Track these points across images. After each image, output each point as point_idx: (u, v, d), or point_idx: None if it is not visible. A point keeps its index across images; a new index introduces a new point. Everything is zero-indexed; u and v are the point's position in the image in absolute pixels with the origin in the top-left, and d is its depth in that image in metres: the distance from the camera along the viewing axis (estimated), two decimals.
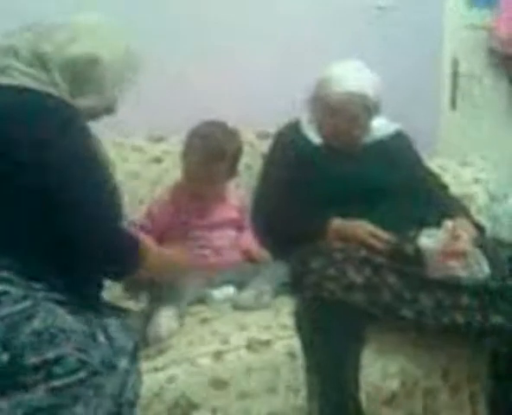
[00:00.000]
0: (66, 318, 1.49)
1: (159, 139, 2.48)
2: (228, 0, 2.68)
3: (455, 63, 3.44)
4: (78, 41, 1.65)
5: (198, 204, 2.26)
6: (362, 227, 2.16)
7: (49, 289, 1.51)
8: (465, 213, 2.41)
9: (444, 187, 2.56)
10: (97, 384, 1.47)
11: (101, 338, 1.54)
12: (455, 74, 3.45)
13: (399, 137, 2.53)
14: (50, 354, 1.42)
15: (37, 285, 1.50)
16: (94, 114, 1.70)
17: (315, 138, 2.43)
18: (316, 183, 2.30)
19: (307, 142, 2.43)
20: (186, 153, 2.23)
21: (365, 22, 3.04)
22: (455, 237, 2.06)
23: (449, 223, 2.10)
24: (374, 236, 2.13)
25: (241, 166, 2.50)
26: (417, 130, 2.71)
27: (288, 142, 2.45)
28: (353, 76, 2.32)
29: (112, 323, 1.60)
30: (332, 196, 2.23)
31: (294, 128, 2.48)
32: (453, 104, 3.49)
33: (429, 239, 2.07)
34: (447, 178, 2.66)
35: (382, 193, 2.27)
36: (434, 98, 3.39)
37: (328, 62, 2.40)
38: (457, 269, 2.04)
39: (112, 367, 1.51)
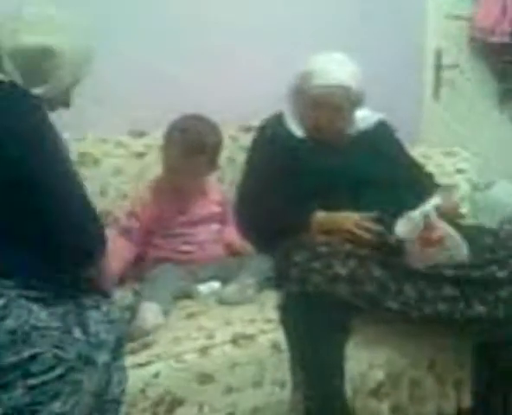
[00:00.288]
0: (40, 315, 1.47)
1: (141, 134, 2.46)
2: None
3: (438, 54, 3.44)
4: (31, 30, 1.63)
5: (180, 199, 2.26)
6: (349, 218, 2.16)
7: (22, 286, 1.48)
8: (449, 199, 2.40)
9: (429, 175, 2.57)
10: (74, 380, 1.46)
11: (77, 333, 1.52)
12: (438, 65, 3.46)
13: (382, 126, 2.53)
14: (26, 353, 1.41)
15: (9, 283, 1.47)
16: (49, 106, 1.67)
17: (298, 131, 2.42)
18: (299, 176, 2.30)
19: (290, 135, 2.42)
20: (166, 146, 2.23)
21: (349, 16, 3.04)
22: (430, 224, 2.06)
23: (425, 208, 2.09)
24: (361, 226, 2.13)
25: (224, 160, 2.51)
26: (400, 121, 2.72)
27: (271, 135, 2.45)
28: (335, 68, 2.31)
29: (93, 316, 1.58)
30: (316, 189, 2.24)
31: (277, 121, 2.47)
32: (436, 94, 3.50)
33: (405, 227, 2.07)
34: (430, 168, 2.67)
35: (367, 184, 2.26)
36: (417, 89, 3.39)
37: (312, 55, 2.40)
38: (435, 255, 2.05)
39: (90, 362, 1.49)
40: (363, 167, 2.31)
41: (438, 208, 2.06)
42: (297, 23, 2.84)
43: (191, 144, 2.18)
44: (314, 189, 2.24)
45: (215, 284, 2.20)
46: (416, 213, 2.05)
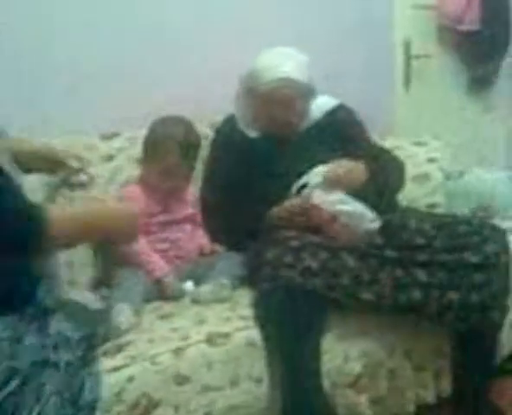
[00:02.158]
0: None
1: (111, 136, 2.44)
2: None
3: (407, 45, 3.45)
4: None
5: (161, 199, 2.28)
6: (292, 203, 2.19)
7: None
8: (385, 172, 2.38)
9: (391, 155, 2.54)
10: (34, 387, 1.43)
11: (30, 340, 1.50)
12: (407, 55, 3.47)
13: (339, 111, 2.49)
14: None
15: None
16: None
17: (250, 132, 2.41)
18: (255, 177, 2.30)
19: (243, 136, 2.41)
20: (152, 149, 2.25)
21: (315, 11, 3.03)
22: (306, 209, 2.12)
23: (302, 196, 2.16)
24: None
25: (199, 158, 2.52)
26: (372, 113, 2.72)
27: (225, 139, 2.44)
28: (281, 62, 2.29)
29: (55, 317, 1.56)
30: (272, 186, 2.24)
31: (230, 124, 2.46)
32: (406, 85, 3.51)
33: None
34: (401, 158, 2.67)
35: None
36: (387, 80, 3.40)
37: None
38: (341, 234, 2.10)
39: (48, 364, 1.47)
40: (319, 158, 2.28)
41: (324, 182, 2.14)
42: (266, 20, 2.83)
43: (180, 145, 2.23)
44: (270, 187, 2.24)
45: (190, 284, 2.19)
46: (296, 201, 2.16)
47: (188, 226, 2.33)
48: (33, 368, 1.43)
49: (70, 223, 1.59)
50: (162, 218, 2.27)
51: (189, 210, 2.34)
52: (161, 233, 2.26)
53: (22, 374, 1.41)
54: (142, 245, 2.15)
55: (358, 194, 2.18)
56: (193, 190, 2.41)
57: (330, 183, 2.16)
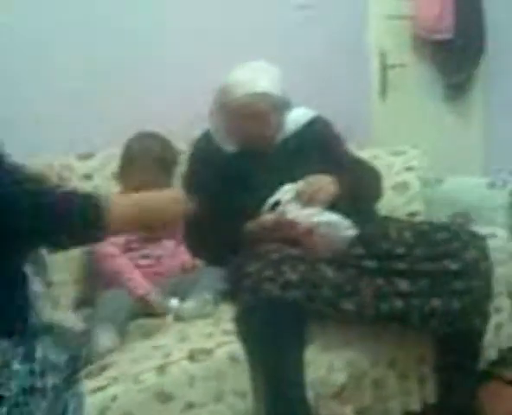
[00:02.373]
0: None
1: (88, 156, 2.44)
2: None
3: (382, 55, 3.48)
4: None
5: None
6: (267, 219, 2.20)
7: None
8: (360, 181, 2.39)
9: (369, 166, 2.54)
10: (23, 413, 1.42)
11: (16, 365, 1.49)
12: (383, 65, 3.49)
13: (315, 123, 2.49)
14: None
15: None
16: None
17: (227, 146, 2.41)
18: (234, 191, 2.30)
19: (220, 151, 2.41)
20: (129, 165, 2.25)
21: (291, 22, 3.05)
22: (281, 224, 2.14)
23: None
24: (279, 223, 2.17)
25: (176, 174, 2.51)
26: (348, 123, 2.74)
27: (202, 154, 2.44)
28: (254, 77, 2.30)
29: (42, 341, 1.55)
30: (252, 201, 2.24)
31: (206, 138, 2.46)
32: (383, 95, 3.53)
33: None
34: (380, 168, 2.68)
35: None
36: (364, 90, 3.42)
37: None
38: (318, 246, 2.11)
39: (36, 390, 1.46)
40: (292, 171, 2.29)
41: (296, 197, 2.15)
42: (238, 31, 2.84)
43: (158, 161, 2.25)
44: (248, 201, 2.25)
45: (175, 301, 2.18)
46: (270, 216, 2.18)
47: (169, 243, 2.32)
48: (20, 396, 1.42)
49: (127, 209, 1.65)
50: (142, 234, 2.22)
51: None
52: (142, 249, 2.25)
53: (10, 402, 1.40)
54: (123, 263, 2.15)
55: (333, 206, 2.19)
56: None
57: (301, 200, 2.16)
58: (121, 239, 2.18)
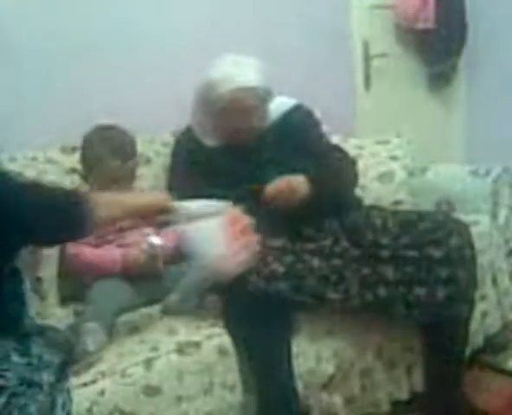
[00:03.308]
0: None
1: (73, 149, 2.42)
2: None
3: (365, 44, 3.48)
4: None
5: None
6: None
7: None
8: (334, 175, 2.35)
9: (344, 154, 2.51)
10: (19, 405, 1.41)
11: (16, 357, 1.49)
12: (366, 56, 3.50)
13: (295, 111, 2.47)
14: None
15: None
16: None
17: (210, 142, 2.40)
18: (217, 184, 2.28)
19: (202, 146, 2.39)
20: (97, 157, 2.23)
21: (273, 11, 3.04)
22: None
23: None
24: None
25: (160, 168, 2.53)
26: (333, 115, 2.74)
27: (184, 151, 2.43)
28: (237, 72, 2.27)
29: (36, 341, 1.56)
30: (235, 193, 2.23)
31: (187, 135, 2.45)
32: (367, 85, 3.53)
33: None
34: (365, 158, 2.70)
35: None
36: (348, 81, 3.42)
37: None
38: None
39: (33, 384, 1.46)
40: (274, 162, 2.29)
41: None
42: (216, 26, 2.83)
43: (127, 149, 2.25)
44: (230, 197, 2.23)
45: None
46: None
47: (146, 230, 2.26)
48: (19, 387, 1.42)
49: (111, 210, 1.69)
50: (110, 227, 2.18)
51: None
52: (119, 239, 2.21)
53: (9, 392, 1.40)
54: (87, 252, 2.15)
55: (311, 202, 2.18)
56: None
57: (271, 202, 2.14)
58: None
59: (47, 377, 1.49)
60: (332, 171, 2.33)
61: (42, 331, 1.63)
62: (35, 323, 1.67)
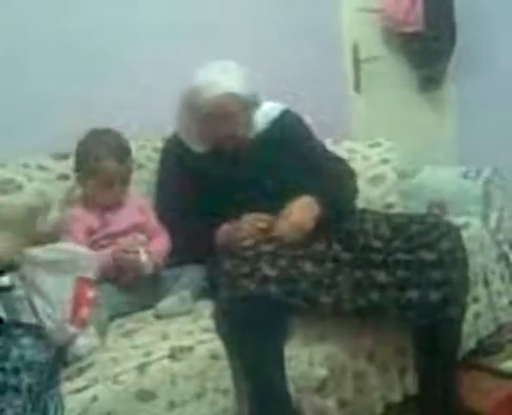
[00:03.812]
0: None
1: (64, 156, 2.42)
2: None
3: (355, 48, 3.49)
4: None
5: (105, 211, 2.25)
6: (245, 222, 2.18)
7: None
8: (338, 186, 2.38)
9: (339, 159, 2.54)
10: None
11: None
12: (356, 59, 3.51)
13: (285, 116, 2.49)
14: None
15: None
16: None
17: (197, 147, 2.40)
18: (206, 192, 2.30)
19: (190, 152, 2.40)
20: (96, 159, 2.21)
21: (262, 15, 3.05)
22: None
23: None
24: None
25: (152, 173, 2.54)
26: (325, 119, 2.75)
27: (172, 157, 2.44)
28: (222, 78, 2.28)
29: (19, 342, 1.54)
30: (224, 201, 2.24)
31: (175, 141, 2.45)
32: (357, 88, 3.54)
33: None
34: (356, 161, 2.70)
35: (274, 185, 2.28)
36: (338, 85, 3.43)
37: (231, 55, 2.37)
38: None
39: (8, 388, 1.44)
40: (264, 169, 2.31)
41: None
42: (210, 27, 2.83)
43: (124, 152, 2.24)
44: (219, 203, 2.24)
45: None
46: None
47: (140, 236, 2.25)
48: None
49: None
50: (107, 229, 2.23)
51: (137, 219, 2.29)
52: (113, 244, 2.20)
53: None
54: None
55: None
56: (140, 198, 2.41)
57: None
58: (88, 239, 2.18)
59: (27, 379, 1.48)
60: (336, 188, 2.35)
61: (28, 330, 1.62)
62: (19, 323, 1.66)
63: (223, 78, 2.28)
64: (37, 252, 1.71)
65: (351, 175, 2.49)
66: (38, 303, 1.68)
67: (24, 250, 1.69)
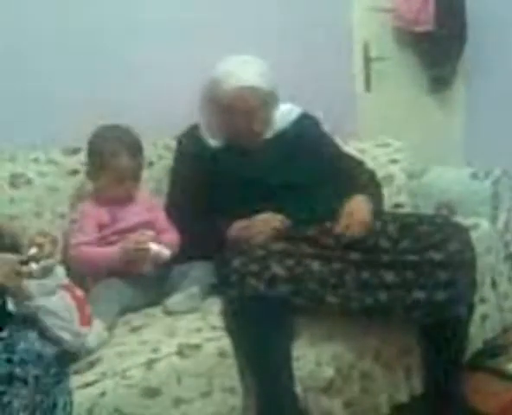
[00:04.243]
0: None
1: (74, 151, 2.42)
2: None
3: (366, 47, 3.48)
4: None
5: (115, 207, 2.25)
6: (259, 220, 2.19)
7: None
8: (371, 188, 2.41)
9: (359, 163, 2.56)
10: (3, 403, 1.41)
11: None
12: (367, 58, 3.50)
13: (303, 120, 2.50)
14: None
15: None
16: None
17: (213, 142, 2.41)
18: (217, 188, 2.30)
19: (206, 147, 2.40)
20: (110, 153, 2.21)
21: (274, 15, 3.04)
22: None
23: None
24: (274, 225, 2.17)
25: (162, 171, 2.54)
26: (334, 117, 2.75)
27: (187, 150, 2.44)
28: (243, 71, 2.29)
29: (25, 335, 1.56)
30: (235, 199, 2.24)
31: (191, 134, 2.45)
32: (367, 87, 3.54)
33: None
34: (365, 161, 2.69)
35: (289, 186, 2.27)
36: (349, 84, 3.42)
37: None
38: None
39: (15, 379, 1.45)
40: (283, 169, 2.31)
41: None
42: (221, 25, 2.81)
43: (136, 147, 2.25)
44: (233, 199, 2.25)
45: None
46: None
47: (149, 232, 2.23)
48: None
49: None
50: (118, 225, 2.23)
51: (146, 215, 2.29)
52: (118, 241, 2.20)
53: None
54: (90, 250, 2.16)
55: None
56: (149, 195, 2.41)
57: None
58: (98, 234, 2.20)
59: (33, 370, 1.49)
60: (373, 187, 2.42)
61: (35, 325, 1.63)
62: (28, 316, 1.67)
63: (243, 70, 2.29)
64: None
65: (374, 175, 2.51)
66: (48, 320, 1.70)
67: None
